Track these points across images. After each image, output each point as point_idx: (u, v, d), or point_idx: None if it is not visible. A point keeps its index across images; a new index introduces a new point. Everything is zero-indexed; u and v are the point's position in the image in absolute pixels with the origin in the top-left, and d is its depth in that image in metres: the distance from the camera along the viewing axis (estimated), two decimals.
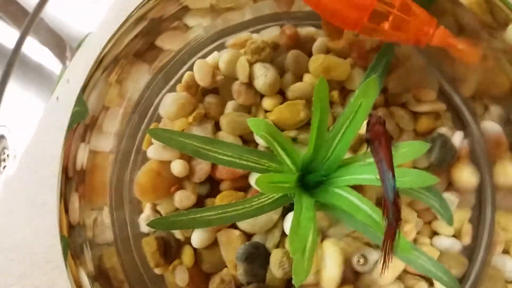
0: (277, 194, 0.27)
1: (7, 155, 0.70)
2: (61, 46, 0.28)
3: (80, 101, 0.28)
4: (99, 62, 0.28)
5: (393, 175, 0.22)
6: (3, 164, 0.65)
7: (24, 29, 0.23)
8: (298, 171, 0.27)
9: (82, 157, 0.29)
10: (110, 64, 0.29)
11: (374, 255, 0.28)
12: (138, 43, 0.31)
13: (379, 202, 0.28)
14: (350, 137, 0.26)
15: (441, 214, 0.27)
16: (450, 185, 0.30)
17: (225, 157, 0.26)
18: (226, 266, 0.29)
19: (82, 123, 0.29)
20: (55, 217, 0.27)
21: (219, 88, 0.31)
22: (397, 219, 0.22)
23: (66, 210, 0.27)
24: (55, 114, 0.28)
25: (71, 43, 0.28)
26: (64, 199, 0.27)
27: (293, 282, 0.25)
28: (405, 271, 0.28)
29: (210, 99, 0.31)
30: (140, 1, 0.29)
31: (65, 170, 0.27)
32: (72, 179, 0.28)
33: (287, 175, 0.26)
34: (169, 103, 0.30)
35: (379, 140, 0.23)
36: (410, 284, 0.28)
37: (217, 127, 0.31)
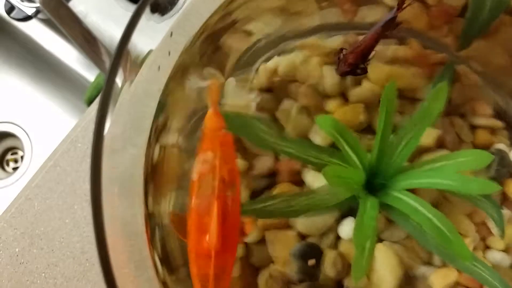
0: (342, 196, 0.27)
1: (21, 157, 0.70)
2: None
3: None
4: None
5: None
6: (12, 165, 0.65)
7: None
8: (365, 170, 0.27)
9: (156, 154, 0.29)
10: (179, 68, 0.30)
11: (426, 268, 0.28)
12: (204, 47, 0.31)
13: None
14: (416, 141, 0.27)
15: (496, 222, 0.27)
16: (504, 201, 0.30)
17: (289, 150, 0.27)
18: (272, 262, 0.29)
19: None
20: None
21: (273, 89, 0.32)
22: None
23: (146, 203, 0.27)
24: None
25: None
26: (145, 192, 0.27)
27: (352, 277, 0.25)
28: (456, 283, 0.28)
29: (264, 95, 0.32)
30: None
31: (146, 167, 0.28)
32: (149, 174, 0.28)
33: (356, 172, 0.26)
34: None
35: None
36: None
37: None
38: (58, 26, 0.49)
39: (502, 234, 0.28)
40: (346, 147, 0.27)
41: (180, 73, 0.28)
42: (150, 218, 0.26)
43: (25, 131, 0.66)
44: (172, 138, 0.30)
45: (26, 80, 0.68)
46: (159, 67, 0.27)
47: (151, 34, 0.26)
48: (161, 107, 0.27)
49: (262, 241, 0.29)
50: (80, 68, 0.63)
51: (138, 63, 0.24)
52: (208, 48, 0.30)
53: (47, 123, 0.66)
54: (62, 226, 0.39)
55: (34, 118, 0.66)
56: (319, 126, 0.27)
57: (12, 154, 0.66)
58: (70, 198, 0.40)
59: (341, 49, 0.28)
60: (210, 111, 0.27)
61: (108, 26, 0.58)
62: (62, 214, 0.39)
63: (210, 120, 0.27)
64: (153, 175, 0.27)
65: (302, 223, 0.29)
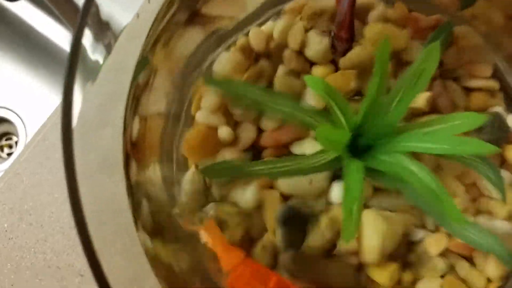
0: (331, 156, 0.27)
1: (15, 142, 0.69)
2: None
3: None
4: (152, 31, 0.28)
5: None
6: (6, 150, 0.65)
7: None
8: (350, 131, 0.26)
9: (136, 127, 0.29)
10: (161, 30, 0.29)
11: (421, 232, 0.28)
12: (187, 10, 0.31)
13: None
14: (408, 102, 0.26)
15: (494, 185, 0.27)
16: (503, 164, 0.29)
17: (282, 107, 0.26)
18: (266, 231, 0.28)
19: (137, 89, 0.28)
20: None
21: (271, 55, 0.31)
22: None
23: (128, 177, 0.26)
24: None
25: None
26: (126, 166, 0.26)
27: (342, 239, 0.25)
28: (447, 249, 0.28)
29: (263, 62, 0.31)
30: None
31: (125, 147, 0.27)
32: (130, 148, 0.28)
33: (342, 133, 0.26)
34: (224, 61, 0.30)
35: None
36: (451, 262, 0.28)
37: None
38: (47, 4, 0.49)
39: (503, 195, 0.27)
40: (335, 108, 0.26)
41: (164, 33, 0.27)
42: (135, 190, 0.25)
43: (19, 116, 0.66)
44: (157, 104, 0.30)
45: (18, 63, 0.67)
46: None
47: None
48: (141, 69, 0.26)
49: (259, 207, 0.29)
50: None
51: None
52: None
53: (41, 107, 0.65)
54: (51, 201, 0.38)
55: (27, 103, 0.65)
56: (309, 85, 0.26)
57: (6, 140, 0.65)
58: (59, 173, 0.39)
59: (330, 32, 0.28)
60: (219, 253, 0.26)
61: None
62: (51, 189, 0.39)
63: (226, 261, 0.26)
64: (135, 146, 0.26)
65: (286, 185, 0.28)
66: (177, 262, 0.26)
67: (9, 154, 0.65)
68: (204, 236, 0.26)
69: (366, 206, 0.28)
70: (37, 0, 0.62)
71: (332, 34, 0.28)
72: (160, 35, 0.29)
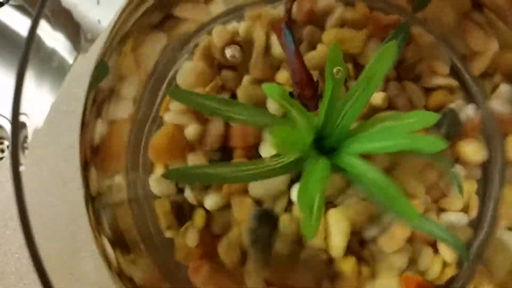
0: (290, 158, 0.27)
1: (7, 146, 0.70)
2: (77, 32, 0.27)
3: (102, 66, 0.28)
4: (113, 35, 0.29)
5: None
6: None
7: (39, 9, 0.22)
8: (312, 134, 0.27)
9: (99, 131, 0.29)
10: (124, 35, 0.30)
11: (378, 227, 0.29)
12: (153, 15, 0.31)
13: (387, 169, 0.29)
14: (362, 104, 0.27)
15: (450, 176, 0.28)
16: (458, 160, 0.30)
17: (241, 116, 0.27)
18: (232, 229, 0.29)
19: (99, 94, 0.29)
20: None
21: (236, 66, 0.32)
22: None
23: (87, 185, 0.27)
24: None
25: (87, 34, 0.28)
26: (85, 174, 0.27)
27: (304, 234, 0.25)
28: (411, 238, 0.29)
29: (226, 72, 0.31)
30: None
31: (83, 154, 0.27)
32: (91, 157, 0.28)
33: (303, 135, 0.26)
34: (187, 73, 0.31)
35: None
36: (416, 250, 0.29)
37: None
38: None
39: (461, 189, 0.28)
40: (294, 113, 0.27)
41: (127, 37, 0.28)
42: (95, 200, 0.26)
43: (9, 120, 0.66)
44: (124, 109, 0.30)
45: (6, 68, 0.67)
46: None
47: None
48: (101, 76, 0.27)
49: (224, 207, 0.30)
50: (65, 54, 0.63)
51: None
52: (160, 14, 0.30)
53: None
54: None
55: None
56: (267, 93, 0.27)
57: None
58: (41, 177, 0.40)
59: (291, 93, 0.27)
60: None
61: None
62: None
63: None
64: (96, 151, 0.27)
65: (255, 189, 0.29)
66: (139, 272, 0.27)
67: (0, 159, 0.65)
68: None
69: (332, 203, 0.29)
70: (20, 6, 0.62)
71: (296, 94, 0.27)
72: (123, 39, 0.29)
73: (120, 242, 0.27)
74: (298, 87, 0.26)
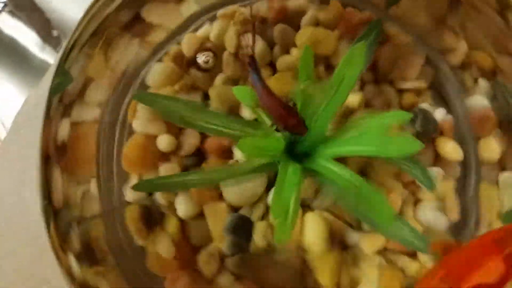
0: (261, 161, 0.27)
1: None
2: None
3: (62, 71, 0.27)
4: (79, 34, 0.27)
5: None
6: None
7: None
8: (285, 140, 0.27)
9: (64, 133, 0.28)
10: (93, 35, 0.29)
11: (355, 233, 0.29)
12: (123, 15, 0.30)
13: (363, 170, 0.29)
14: (333, 109, 0.26)
15: (423, 184, 0.27)
16: (436, 159, 0.30)
17: (211, 126, 0.27)
18: (211, 240, 0.29)
19: (66, 96, 0.28)
20: None
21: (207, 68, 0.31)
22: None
23: (49, 195, 0.25)
24: None
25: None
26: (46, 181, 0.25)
27: (275, 240, 0.25)
28: (385, 249, 0.28)
29: (196, 71, 0.31)
30: None
31: (45, 151, 0.26)
32: (53, 158, 0.27)
33: (273, 141, 0.26)
34: (157, 72, 0.30)
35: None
36: (392, 258, 0.29)
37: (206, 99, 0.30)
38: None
39: (432, 189, 0.28)
40: (265, 117, 0.27)
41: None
42: (60, 213, 0.25)
43: (2, 123, 0.66)
44: (91, 112, 0.30)
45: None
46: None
47: None
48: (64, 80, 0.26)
49: (199, 216, 0.29)
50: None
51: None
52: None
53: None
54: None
55: (9, 110, 0.66)
56: (237, 96, 0.26)
57: None
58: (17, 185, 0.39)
59: (277, 129, 0.26)
60: None
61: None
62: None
63: None
64: (62, 151, 0.26)
65: (230, 194, 0.28)
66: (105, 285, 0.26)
67: None
68: None
69: (308, 207, 0.29)
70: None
71: (282, 130, 0.26)
72: (91, 38, 0.29)
73: (88, 254, 0.27)
74: (279, 121, 0.25)
